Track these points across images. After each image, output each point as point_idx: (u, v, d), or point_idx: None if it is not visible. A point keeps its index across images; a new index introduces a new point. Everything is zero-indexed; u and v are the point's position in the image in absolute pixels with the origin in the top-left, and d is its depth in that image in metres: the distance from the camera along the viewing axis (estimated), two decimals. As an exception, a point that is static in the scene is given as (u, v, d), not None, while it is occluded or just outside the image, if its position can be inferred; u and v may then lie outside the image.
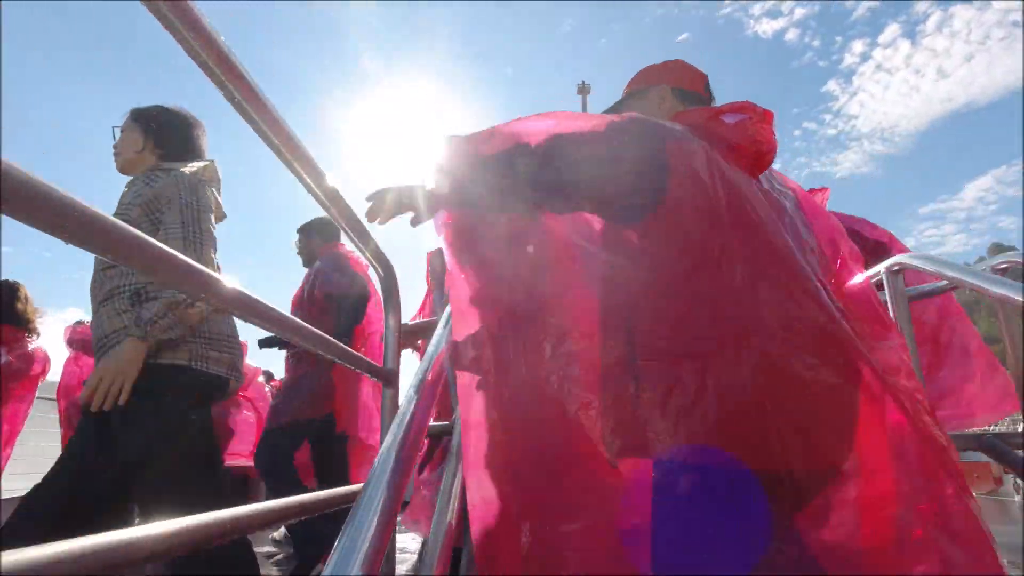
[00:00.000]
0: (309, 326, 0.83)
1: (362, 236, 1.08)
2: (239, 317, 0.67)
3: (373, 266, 1.20)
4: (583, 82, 8.71)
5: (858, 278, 1.29)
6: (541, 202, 0.86)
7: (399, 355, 1.21)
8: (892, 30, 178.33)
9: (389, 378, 1.19)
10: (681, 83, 1.07)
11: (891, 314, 1.27)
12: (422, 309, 2.70)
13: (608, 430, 0.76)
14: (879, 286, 1.29)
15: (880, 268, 1.28)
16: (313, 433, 2.46)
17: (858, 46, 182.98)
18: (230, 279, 0.59)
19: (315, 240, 2.70)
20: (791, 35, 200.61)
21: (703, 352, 0.71)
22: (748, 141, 0.80)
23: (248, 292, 0.62)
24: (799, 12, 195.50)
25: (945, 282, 1.32)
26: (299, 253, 2.74)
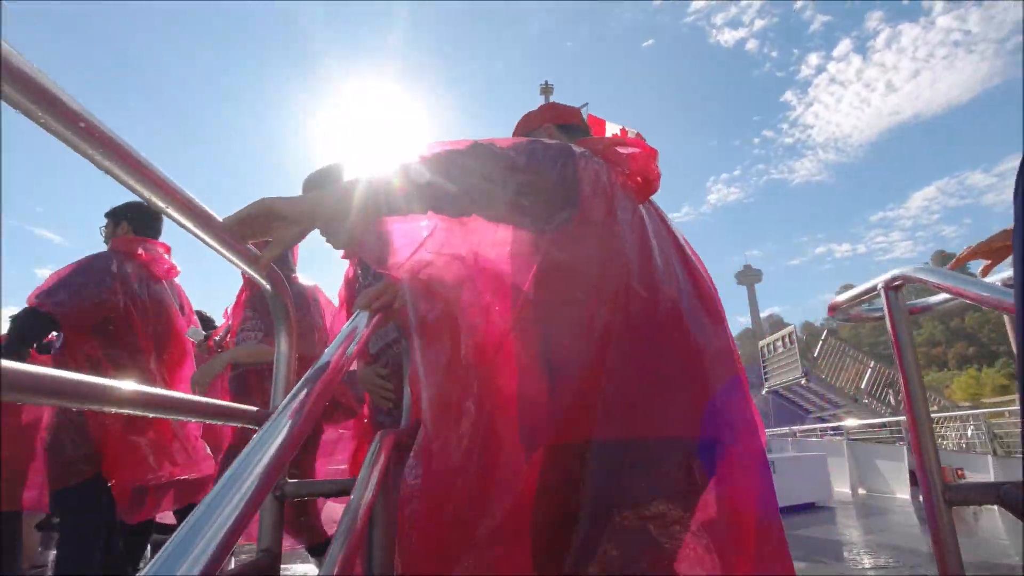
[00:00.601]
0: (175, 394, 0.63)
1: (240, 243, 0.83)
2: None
3: (258, 281, 0.93)
4: (546, 82, 8.50)
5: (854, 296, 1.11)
6: (462, 209, 0.88)
7: (290, 390, 0.95)
8: (845, 45, 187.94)
9: (279, 422, 0.93)
10: (562, 119, 1.19)
11: (890, 331, 1.08)
12: (230, 315, 2.24)
13: (526, 423, 0.84)
14: (875, 301, 1.11)
15: (878, 282, 1.09)
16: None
17: (813, 59, 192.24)
18: None
19: (122, 228, 2.23)
20: (751, 45, 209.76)
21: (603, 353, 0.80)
22: (638, 170, 0.93)
23: None
24: (759, 24, 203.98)
25: (945, 295, 1.15)
26: (105, 242, 2.28)
